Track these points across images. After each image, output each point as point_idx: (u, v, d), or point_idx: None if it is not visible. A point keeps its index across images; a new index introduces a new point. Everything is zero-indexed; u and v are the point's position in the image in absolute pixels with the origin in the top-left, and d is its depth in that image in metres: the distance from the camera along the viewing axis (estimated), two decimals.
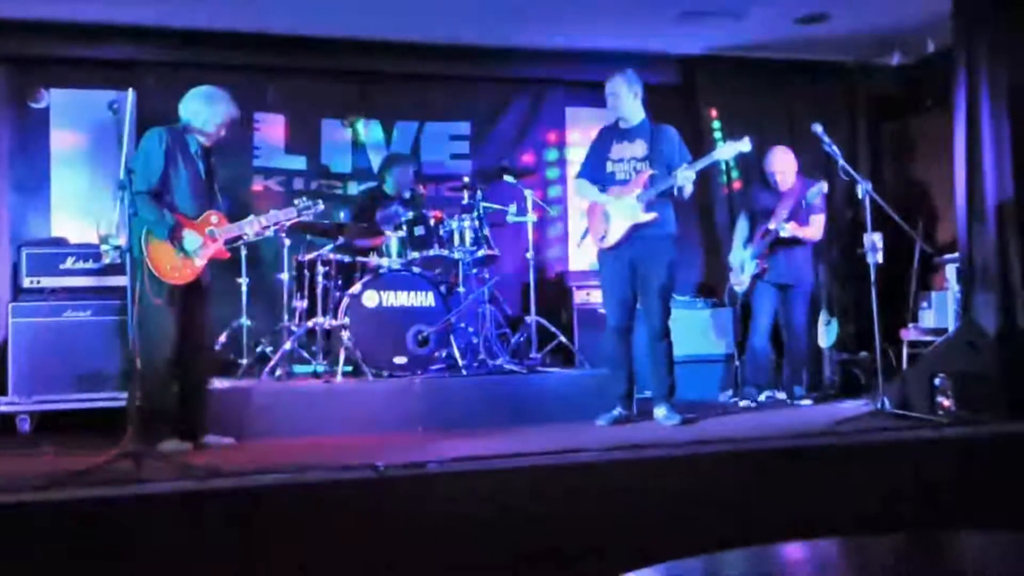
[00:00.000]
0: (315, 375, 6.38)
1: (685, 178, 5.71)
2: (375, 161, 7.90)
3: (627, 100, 5.89)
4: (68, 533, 3.74)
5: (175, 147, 5.28)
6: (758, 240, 6.83)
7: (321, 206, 5.87)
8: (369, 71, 7.80)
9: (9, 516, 3.74)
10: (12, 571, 3.60)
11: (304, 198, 5.90)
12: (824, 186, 6.66)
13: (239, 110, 5.55)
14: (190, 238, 5.21)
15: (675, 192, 5.77)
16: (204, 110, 5.36)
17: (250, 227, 5.52)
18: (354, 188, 7.87)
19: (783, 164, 6.95)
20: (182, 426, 5.26)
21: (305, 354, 6.60)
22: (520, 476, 4.40)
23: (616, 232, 5.84)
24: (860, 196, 5.93)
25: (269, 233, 5.74)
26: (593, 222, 6.02)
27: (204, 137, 5.40)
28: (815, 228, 6.82)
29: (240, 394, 5.84)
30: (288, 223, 5.85)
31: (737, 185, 8.13)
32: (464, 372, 6.42)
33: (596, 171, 5.99)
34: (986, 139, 6.55)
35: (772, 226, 6.77)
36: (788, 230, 6.70)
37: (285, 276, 6.67)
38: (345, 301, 6.35)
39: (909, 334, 7.27)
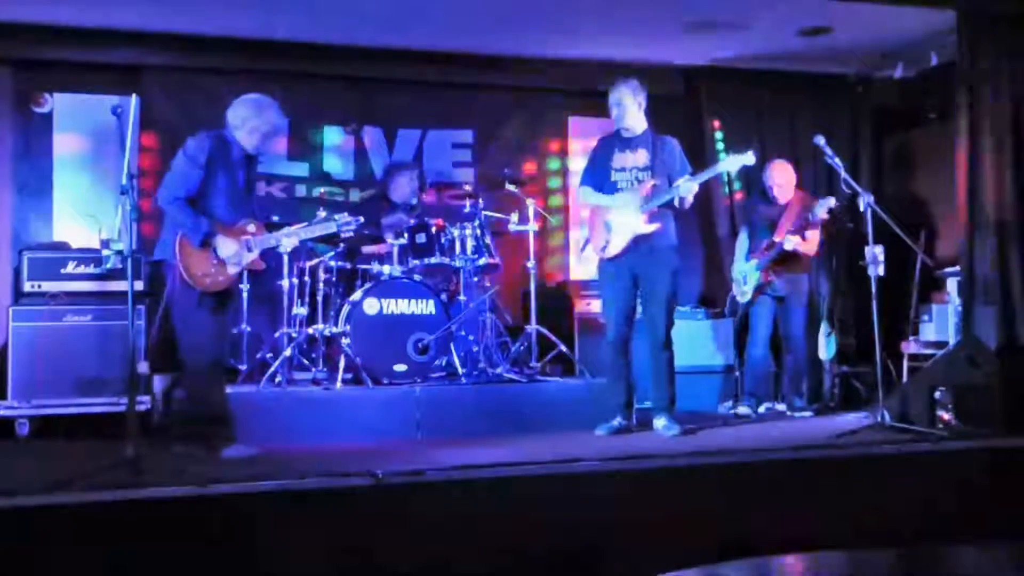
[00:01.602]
0: (315, 382, 6.37)
1: (687, 189, 5.72)
2: (377, 168, 7.91)
3: (631, 110, 5.88)
4: (67, 538, 3.74)
5: (218, 153, 5.18)
6: (762, 253, 6.84)
7: (362, 219, 5.85)
8: (372, 78, 7.81)
9: (8, 520, 3.74)
10: (10, 574, 3.60)
11: (345, 213, 5.85)
12: (832, 201, 6.65)
13: (286, 120, 5.47)
14: (225, 246, 5.13)
15: (676, 203, 5.78)
16: (252, 118, 5.26)
17: (287, 239, 5.48)
18: (356, 195, 7.87)
19: (782, 177, 6.96)
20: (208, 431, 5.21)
21: (305, 361, 6.60)
22: (519, 485, 4.40)
23: (618, 243, 5.83)
24: (862, 208, 5.93)
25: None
26: (594, 232, 6.02)
27: (248, 145, 5.31)
28: (812, 244, 6.83)
29: (239, 400, 5.82)
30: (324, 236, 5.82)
31: (739, 196, 8.12)
32: (464, 380, 6.42)
33: (598, 180, 5.99)
34: (987, 152, 6.56)
35: (777, 239, 6.78)
36: (792, 243, 6.71)
37: (286, 283, 6.66)
38: (346, 308, 6.36)
39: (910, 347, 7.26)
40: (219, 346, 5.18)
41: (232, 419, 5.30)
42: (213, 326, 5.17)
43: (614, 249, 5.85)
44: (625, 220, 5.80)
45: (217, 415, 5.17)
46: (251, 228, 5.29)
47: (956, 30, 6.73)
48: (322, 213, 6.13)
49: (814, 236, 6.82)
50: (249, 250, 5.25)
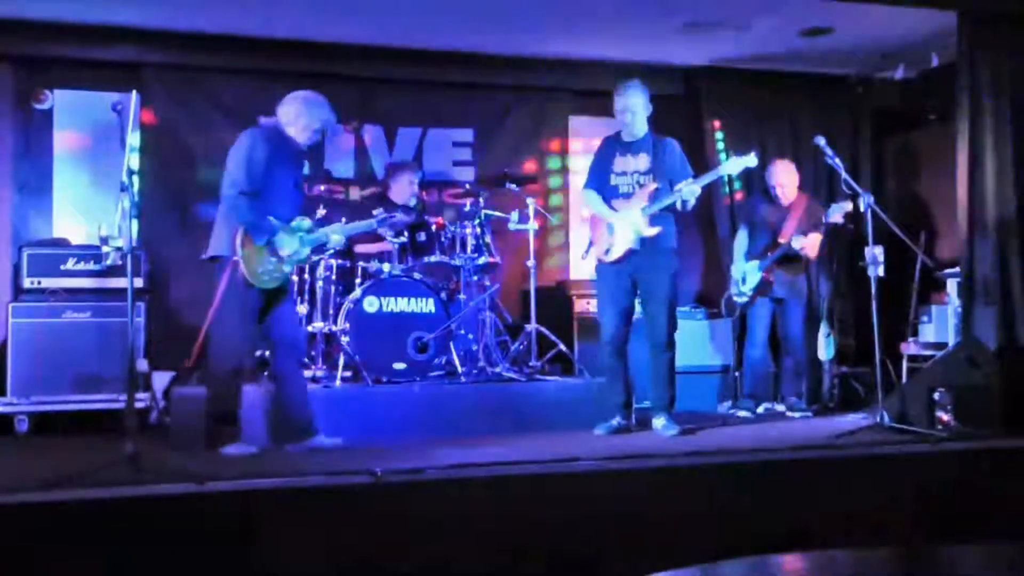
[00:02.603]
0: (314, 380, 6.36)
1: (690, 193, 5.72)
2: (377, 167, 7.91)
3: (641, 116, 5.89)
4: (66, 535, 3.73)
5: (275, 148, 5.19)
6: (765, 254, 6.84)
7: (398, 217, 5.87)
8: (372, 77, 7.79)
9: (7, 517, 3.74)
10: (10, 572, 3.60)
11: (381, 209, 5.92)
12: (848, 206, 6.58)
13: (336, 117, 5.49)
14: (286, 243, 5.16)
15: (678, 205, 5.78)
16: (304, 114, 5.28)
17: (335, 236, 5.49)
18: (356, 193, 7.86)
19: (785, 178, 6.96)
20: (297, 426, 5.26)
21: (305, 359, 6.58)
22: (518, 484, 4.40)
23: (621, 246, 5.83)
24: (862, 209, 5.93)
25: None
26: (597, 235, 6.02)
27: (301, 140, 5.32)
28: (815, 245, 6.84)
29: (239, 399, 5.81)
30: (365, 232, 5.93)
31: (739, 196, 8.12)
32: (463, 379, 6.42)
33: (600, 183, 6.00)
34: (988, 153, 6.56)
35: (782, 240, 6.78)
36: (801, 242, 6.72)
37: None
38: (345, 306, 6.35)
39: (909, 348, 7.26)
40: (252, 352, 5.17)
41: (308, 413, 5.32)
42: (257, 328, 5.18)
43: (617, 253, 5.85)
44: (627, 224, 5.80)
45: (225, 416, 5.17)
46: (305, 225, 5.31)
47: (957, 31, 6.72)
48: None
49: (816, 237, 6.82)
50: (303, 246, 5.27)
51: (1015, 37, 6.59)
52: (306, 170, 5.53)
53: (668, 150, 5.91)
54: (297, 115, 5.28)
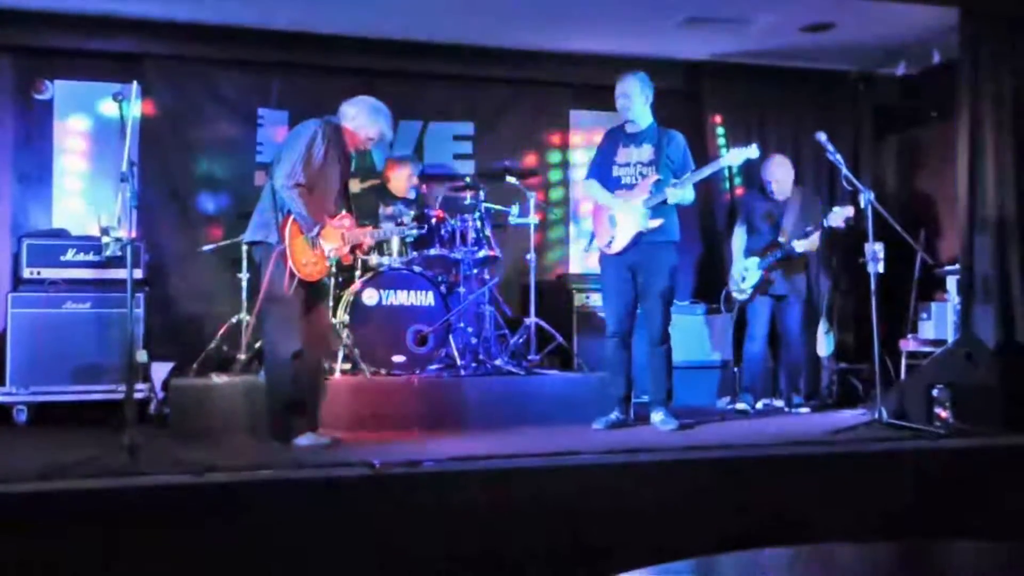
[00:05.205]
0: None
1: (674, 195, 5.72)
2: (377, 159, 7.90)
3: (638, 103, 5.88)
4: (64, 525, 3.73)
5: (332, 144, 5.22)
6: (765, 253, 6.83)
7: (413, 227, 6.02)
8: (373, 69, 7.76)
9: (5, 507, 3.74)
10: (8, 562, 3.60)
11: (411, 220, 6.20)
12: (850, 211, 6.57)
13: (393, 134, 5.61)
14: (330, 237, 5.20)
15: (670, 200, 5.78)
16: (363, 120, 5.32)
17: (367, 238, 5.57)
18: (356, 186, 7.84)
19: (780, 173, 6.96)
20: (309, 420, 5.25)
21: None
22: (516, 477, 4.40)
23: (623, 238, 5.84)
24: (862, 205, 5.93)
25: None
26: (599, 228, 6.03)
27: (351, 141, 5.37)
28: (814, 242, 6.83)
29: (237, 390, 5.82)
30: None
31: (739, 191, 8.11)
32: (462, 372, 6.42)
33: (603, 174, 6.00)
34: (989, 151, 6.56)
35: (782, 240, 6.78)
36: (803, 246, 6.72)
37: None
38: (345, 299, 6.35)
39: (908, 344, 7.26)
40: (302, 337, 5.17)
41: (317, 408, 5.33)
42: (302, 316, 5.19)
43: (619, 245, 5.86)
44: (629, 216, 5.80)
45: (294, 405, 5.18)
46: (347, 222, 5.35)
47: (959, 28, 6.72)
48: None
49: (815, 235, 6.82)
50: (344, 242, 5.31)
51: (1017, 34, 6.59)
52: (352, 168, 5.53)
53: (674, 142, 5.92)
54: (355, 117, 5.33)
